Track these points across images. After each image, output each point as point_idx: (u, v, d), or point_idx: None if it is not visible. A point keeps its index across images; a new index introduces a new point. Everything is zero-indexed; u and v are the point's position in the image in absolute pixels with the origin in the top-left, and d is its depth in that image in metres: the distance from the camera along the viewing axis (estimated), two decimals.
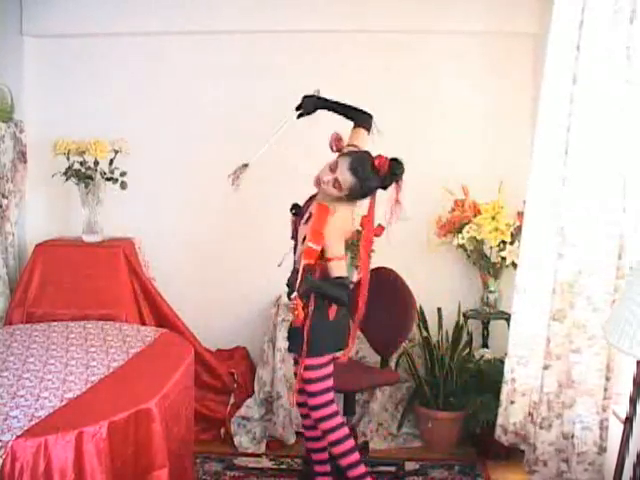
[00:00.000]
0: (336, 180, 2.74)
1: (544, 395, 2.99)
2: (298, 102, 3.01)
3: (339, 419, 2.87)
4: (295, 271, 2.87)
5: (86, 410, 2.23)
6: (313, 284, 2.74)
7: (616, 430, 2.65)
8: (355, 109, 2.98)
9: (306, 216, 2.82)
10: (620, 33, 2.70)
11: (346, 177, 2.72)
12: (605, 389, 2.83)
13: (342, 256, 2.77)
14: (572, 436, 2.89)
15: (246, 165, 2.95)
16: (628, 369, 2.59)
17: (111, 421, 2.14)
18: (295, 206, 2.96)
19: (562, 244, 2.89)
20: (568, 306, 2.89)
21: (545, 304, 3.00)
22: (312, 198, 2.93)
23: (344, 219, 2.81)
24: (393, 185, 2.76)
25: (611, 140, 2.76)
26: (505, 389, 3.18)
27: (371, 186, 2.75)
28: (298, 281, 2.69)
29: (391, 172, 2.73)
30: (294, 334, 2.90)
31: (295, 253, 2.92)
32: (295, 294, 2.69)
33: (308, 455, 3.11)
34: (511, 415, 3.17)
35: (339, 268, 2.75)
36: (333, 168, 2.75)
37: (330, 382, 2.87)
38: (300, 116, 3.03)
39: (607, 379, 2.83)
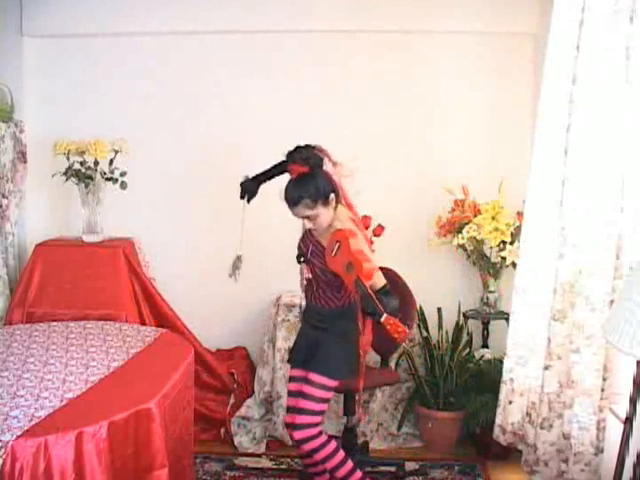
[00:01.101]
0: (306, 218, 2.85)
1: (545, 395, 2.99)
2: (240, 193, 3.14)
3: (324, 437, 2.90)
4: (315, 309, 2.97)
5: (86, 410, 2.23)
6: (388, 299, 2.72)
7: (616, 430, 2.65)
8: (287, 160, 2.97)
9: (335, 247, 2.75)
10: (620, 33, 2.69)
11: (301, 209, 2.82)
12: (602, 389, 2.83)
13: (376, 265, 2.78)
14: (570, 436, 2.89)
15: (240, 257, 3.17)
16: (628, 369, 2.59)
17: (111, 421, 2.14)
18: (300, 255, 2.96)
19: (563, 244, 2.88)
20: (569, 306, 2.89)
21: (545, 304, 3.00)
22: (306, 234, 2.97)
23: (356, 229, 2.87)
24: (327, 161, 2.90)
25: (611, 140, 2.76)
26: (504, 389, 3.18)
27: (311, 188, 2.81)
28: (379, 304, 2.60)
29: (301, 160, 2.84)
30: (313, 348, 2.94)
31: (314, 294, 2.96)
32: (385, 315, 2.58)
33: (305, 469, 3.11)
34: (509, 415, 3.17)
35: (380, 277, 2.76)
36: (297, 215, 2.87)
37: (326, 406, 2.96)
38: (249, 200, 3.14)
39: (604, 379, 2.83)
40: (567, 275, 2.87)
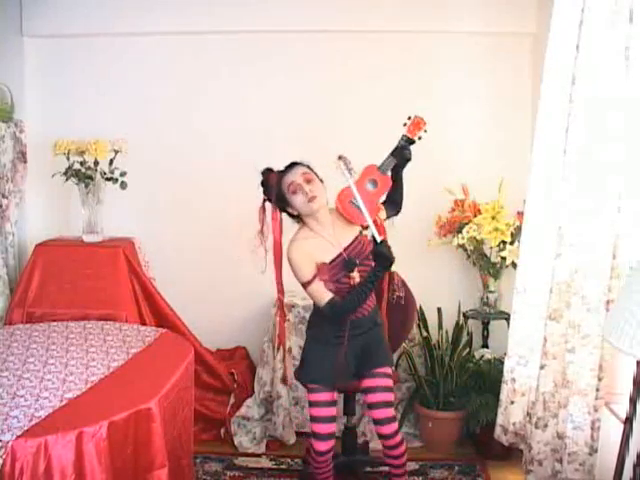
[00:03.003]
0: (306, 184, 2.79)
1: (540, 395, 2.99)
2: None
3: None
4: (361, 320, 2.92)
5: (86, 410, 2.23)
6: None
7: (615, 430, 2.65)
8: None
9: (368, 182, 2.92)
10: (619, 33, 2.69)
11: (300, 168, 2.82)
12: (597, 389, 2.83)
13: None
14: (564, 436, 2.89)
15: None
16: (627, 369, 2.59)
17: (111, 421, 2.14)
18: (350, 262, 2.84)
19: (560, 244, 2.89)
20: (564, 306, 2.89)
21: (542, 304, 3.00)
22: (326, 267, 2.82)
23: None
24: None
25: (610, 140, 2.76)
26: (505, 389, 3.18)
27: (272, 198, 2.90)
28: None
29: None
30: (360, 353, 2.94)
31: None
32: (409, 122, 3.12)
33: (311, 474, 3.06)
34: (511, 415, 3.17)
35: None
36: (295, 177, 2.81)
37: None
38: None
39: (599, 379, 2.83)
40: (564, 274, 2.88)
